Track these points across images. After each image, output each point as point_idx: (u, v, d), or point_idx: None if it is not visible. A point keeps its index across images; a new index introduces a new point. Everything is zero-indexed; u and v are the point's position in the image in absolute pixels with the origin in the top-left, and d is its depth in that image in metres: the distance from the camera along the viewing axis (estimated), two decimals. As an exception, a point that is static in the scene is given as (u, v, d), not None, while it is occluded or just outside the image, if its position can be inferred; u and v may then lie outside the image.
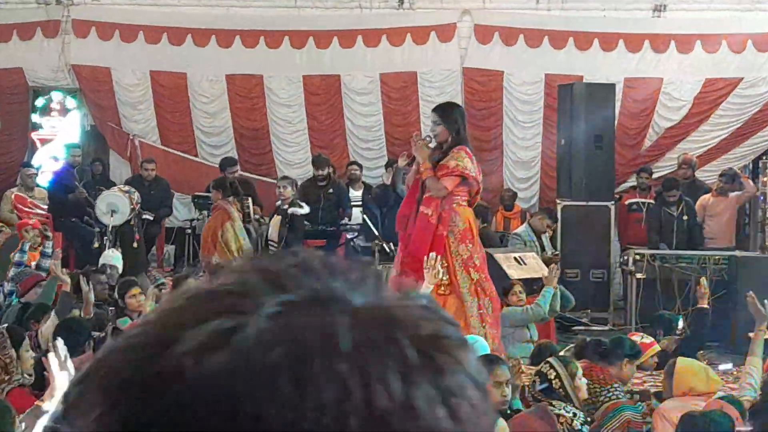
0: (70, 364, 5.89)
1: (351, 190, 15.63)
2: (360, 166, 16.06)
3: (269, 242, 13.66)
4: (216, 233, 12.95)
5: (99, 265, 11.82)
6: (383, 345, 0.84)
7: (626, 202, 15.33)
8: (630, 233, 15.10)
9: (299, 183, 15.66)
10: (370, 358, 0.82)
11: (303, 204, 13.60)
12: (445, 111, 9.02)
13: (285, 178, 13.95)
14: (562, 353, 8.81)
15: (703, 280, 9.82)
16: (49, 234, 11.24)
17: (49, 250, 10.77)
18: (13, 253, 10.64)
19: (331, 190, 15.04)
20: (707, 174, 16.00)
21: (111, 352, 0.87)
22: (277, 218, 13.58)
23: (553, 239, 14.12)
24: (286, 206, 13.47)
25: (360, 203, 15.42)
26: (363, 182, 15.91)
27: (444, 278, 8.60)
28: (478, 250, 9.08)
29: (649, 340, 8.81)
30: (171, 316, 0.87)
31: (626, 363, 7.75)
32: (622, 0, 16.64)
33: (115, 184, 15.06)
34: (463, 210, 9.01)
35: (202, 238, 13.40)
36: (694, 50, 16.55)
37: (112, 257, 11.92)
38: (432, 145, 8.90)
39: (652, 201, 14.99)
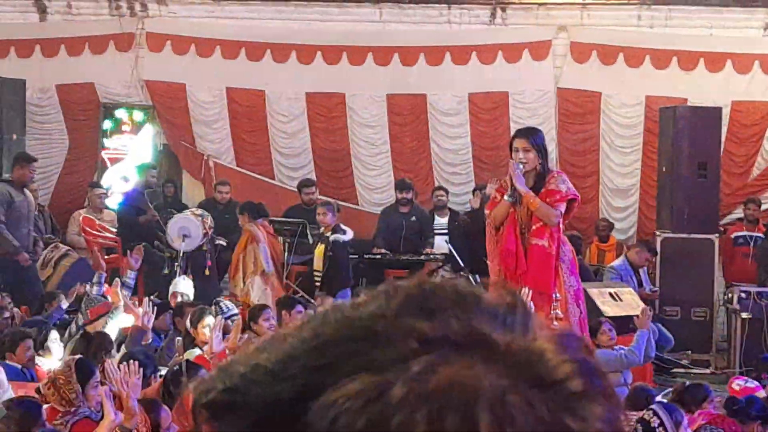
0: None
1: (437, 217, 15.66)
2: (446, 192, 16.07)
3: (314, 273, 13.72)
4: (239, 257, 13.13)
5: (169, 293, 12.00)
6: (525, 411, 0.90)
7: (732, 236, 15.14)
8: (735, 269, 14.92)
9: (381, 209, 15.77)
10: (507, 426, 0.89)
11: (346, 229, 13.59)
12: (535, 136, 9.04)
13: (325, 203, 13.90)
14: (659, 398, 8.76)
15: None
16: (133, 260, 11.25)
17: (131, 281, 10.87)
18: (87, 285, 10.73)
19: (413, 218, 15.09)
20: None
21: (248, 389, 0.95)
22: (320, 247, 13.59)
23: (651, 274, 14.03)
24: (328, 234, 13.49)
25: (446, 231, 15.44)
26: (449, 208, 15.93)
27: (559, 313, 8.67)
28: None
29: (753, 384, 8.73)
30: (312, 357, 0.94)
31: (758, 426, 7.62)
32: (731, 17, 16.53)
33: (187, 207, 15.27)
34: (566, 239, 9.10)
35: (231, 262, 13.57)
36: (808, 71, 16.39)
37: (183, 285, 12.08)
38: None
39: (760, 234, 14.82)
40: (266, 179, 17.01)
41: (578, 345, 0.98)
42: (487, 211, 9.22)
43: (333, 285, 13.13)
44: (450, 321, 0.93)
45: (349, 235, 13.58)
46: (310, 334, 0.96)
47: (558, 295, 8.76)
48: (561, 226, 9.03)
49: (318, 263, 13.55)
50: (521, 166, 8.79)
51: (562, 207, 8.76)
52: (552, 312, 8.73)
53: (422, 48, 16.91)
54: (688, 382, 8.95)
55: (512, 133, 16.32)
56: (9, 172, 13.74)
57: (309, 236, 14.25)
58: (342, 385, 0.90)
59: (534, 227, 8.82)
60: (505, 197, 8.87)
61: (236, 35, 17.03)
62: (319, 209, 13.81)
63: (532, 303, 7.98)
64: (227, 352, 8.58)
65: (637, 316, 10.70)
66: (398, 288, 0.98)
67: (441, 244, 15.06)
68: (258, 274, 13.01)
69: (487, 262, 13.74)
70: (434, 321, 0.93)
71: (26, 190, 13.36)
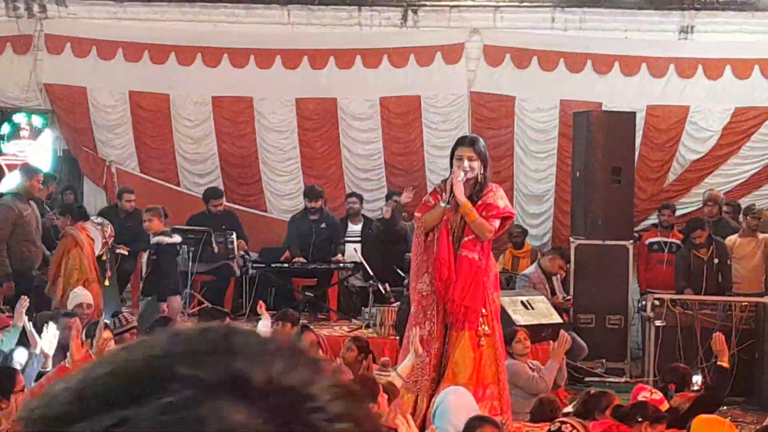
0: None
1: (349, 225, 15.66)
2: (360, 198, 16.06)
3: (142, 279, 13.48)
4: (61, 262, 12.80)
5: (69, 304, 11.85)
6: None
7: (647, 242, 15.32)
8: (650, 276, 15.11)
9: (290, 216, 15.71)
10: None
11: (174, 234, 13.20)
12: (480, 145, 9.03)
13: (151, 209, 13.30)
14: (567, 409, 8.85)
15: (718, 336, 9.69)
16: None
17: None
18: None
19: (323, 224, 15.07)
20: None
21: (37, 408, 1.05)
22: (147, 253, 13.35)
23: (565, 282, 14.15)
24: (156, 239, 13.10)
25: (359, 239, 15.45)
26: (363, 216, 15.91)
27: (486, 329, 8.73)
28: None
29: (658, 396, 8.80)
30: (83, 387, 1.03)
31: (646, 426, 7.73)
32: (646, 20, 16.72)
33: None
34: (492, 255, 9.13)
35: (50, 268, 13.12)
36: (723, 76, 16.61)
37: (82, 296, 11.94)
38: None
39: (675, 241, 14.98)
40: (171, 186, 16.93)
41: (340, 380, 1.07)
42: (417, 214, 9.19)
43: (159, 290, 12.73)
44: (213, 363, 1.02)
45: (177, 238, 13.21)
46: (95, 368, 1.05)
47: (485, 310, 8.81)
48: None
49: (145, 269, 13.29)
50: (463, 174, 8.78)
51: (497, 223, 8.79)
52: (480, 328, 8.78)
53: (332, 51, 16.91)
54: (593, 391, 9.05)
55: (425, 138, 16.72)
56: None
57: (214, 244, 14.18)
58: (95, 415, 1.00)
59: (466, 239, 8.83)
60: (441, 203, 8.86)
61: (139, 37, 16.91)
62: (145, 215, 13.24)
63: (419, 346, 8.15)
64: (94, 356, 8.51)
65: (551, 342, 10.81)
66: (177, 333, 1.07)
67: (352, 253, 15.04)
68: (82, 281, 12.67)
69: (398, 270, 13.88)
70: (198, 364, 1.01)
71: (32, 203, 13.12)
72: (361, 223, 15.69)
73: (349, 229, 15.57)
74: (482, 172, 8.82)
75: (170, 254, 13.00)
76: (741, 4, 16.68)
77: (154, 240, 12.87)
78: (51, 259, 13.12)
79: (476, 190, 8.83)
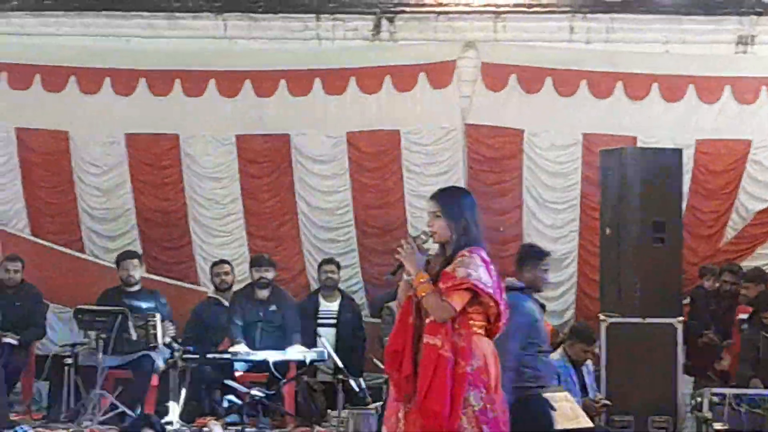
0: None
1: (322, 302, 15.62)
2: (338, 266, 16.00)
3: None
4: None
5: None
6: None
7: (738, 318, 15.12)
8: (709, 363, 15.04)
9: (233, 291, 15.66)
10: None
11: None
12: (447, 197, 8.96)
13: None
14: None
15: None
16: None
17: None
18: None
19: (273, 307, 15.04)
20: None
21: None
22: None
23: (597, 371, 14.06)
24: None
25: (334, 321, 15.50)
26: (339, 290, 15.89)
27: None
28: (495, 397, 9.05)
29: None
30: None
31: None
32: (693, 29, 16.87)
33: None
34: (479, 341, 8.97)
35: None
36: (796, 100, 16.77)
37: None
38: (428, 245, 8.83)
39: (742, 316, 14.85)
40: (73, 252, 16.95)
41: None
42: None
43: None
44: None
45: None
46: None
47: (463, 422, 8.69)
48: (475, 324, 8.90)
49: None
50: (426, 237, 8.71)
51: (456, 298, 8.65)
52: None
53: (283, 73, 17.02)
54: None
55: (406, 185, 16.77)
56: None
57: (132, 330, 14.13)
58: None
59: (428, 321, 8.75)
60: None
61: (28, 57, 16.98)
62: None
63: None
64: None
65: None
66: None
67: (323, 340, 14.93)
68: None
69: (376, 362, 13.89)
70: None
71: None
72: (338, 300, 15.73)
73: (321, 309, 15.53)
74: (455, 233, 8.71)
75: None
76: (816, 7, 16.87)
77: None
78: None
79: (447, 257, 8.75)
